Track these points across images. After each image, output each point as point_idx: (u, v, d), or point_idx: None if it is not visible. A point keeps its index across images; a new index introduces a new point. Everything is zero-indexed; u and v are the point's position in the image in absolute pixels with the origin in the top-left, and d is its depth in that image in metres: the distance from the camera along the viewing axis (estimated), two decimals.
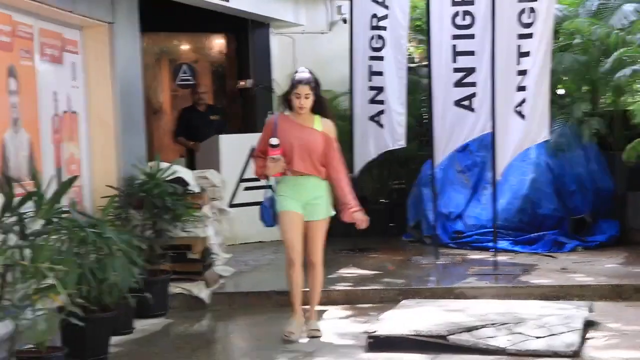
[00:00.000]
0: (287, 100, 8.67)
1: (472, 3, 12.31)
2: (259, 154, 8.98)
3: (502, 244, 12.90)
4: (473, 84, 12.32)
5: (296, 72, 9.00)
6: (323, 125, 8.55)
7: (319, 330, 8.73)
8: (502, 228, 13.12)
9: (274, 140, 8.20)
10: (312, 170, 8.40)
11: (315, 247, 8.52)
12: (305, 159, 8.28)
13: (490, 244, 12.64)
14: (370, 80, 13.04)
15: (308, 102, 8.50)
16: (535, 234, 13.63)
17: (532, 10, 11.69)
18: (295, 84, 8.42)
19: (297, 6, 16.76)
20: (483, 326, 9.01)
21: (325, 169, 8.77)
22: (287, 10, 16.46)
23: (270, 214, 8.80)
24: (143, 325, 10.17)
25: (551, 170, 13.85)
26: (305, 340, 8.40)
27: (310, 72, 9.10)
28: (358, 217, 8.68)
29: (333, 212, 9.29)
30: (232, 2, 14.24)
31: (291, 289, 8.63)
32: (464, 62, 12.37)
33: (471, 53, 12.36)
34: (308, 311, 8.69)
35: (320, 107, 8.63)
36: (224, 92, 16.18)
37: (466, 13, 12.31)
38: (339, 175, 8.68)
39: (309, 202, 8.48)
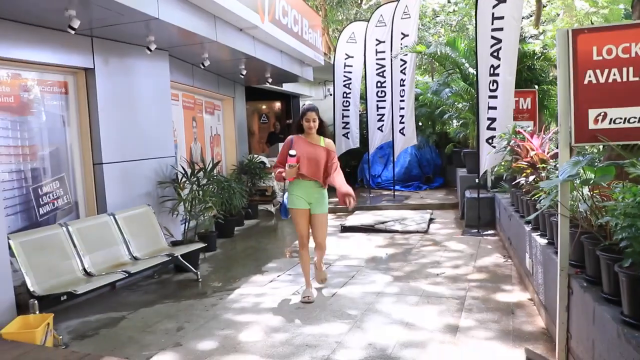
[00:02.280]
0: (300, 125, 5.91)
1: (384, 84, 12.04)
2: (278, 164, 5.93)
3: (397, 187, 12.87)
4: (382, 120, 12.10)
5: (304, 104, 6.33)
6: (325, 143, 5.91)
7: (325, 278, 6.17)
8: (397, 181, 13.06)
9: (292, 152, 5.62)
10: (316, 176, 5.70)
11: (321, 233, 5.85)
12: (312, 167, 5.68)
13: (392, 187, 12.63)
14: (343, 119, 12.75)
15: (315, 124, 5.84)
16: (410, 183, 13.80)
17: (402, 83, 11.72)
18: (305, 111, 5.84)
19: (310, 89, 16.38)
20: (389, 221, 9.33)
21: (326, 176, 5.84)
22: (306, 91, 16.11)
23: (285, 210, 6.01)
24: (247, 223, 10.32)
25: (417, 156, 13.92)
26: (315, 293, 5.85)
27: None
28: (349, 199, 5.59)
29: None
30: (285, 87, 14.03)
31: (303, 265, 5.90)
32: (380, 111, 12.12)
33: (383, 108, 12.11)
34: (316, 268, 6.15)
35: (322, 129, 5.96)
36: (281, 125, 16.32)
37: (382, 89, 12.05)
38: (337, 174, 5.82)
39: (314, 199, 5.74)
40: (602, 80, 3.48)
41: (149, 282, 6.57)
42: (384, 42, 11.97)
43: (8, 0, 4.74)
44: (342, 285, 6.06)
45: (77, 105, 6.32)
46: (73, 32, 5.34)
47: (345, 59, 12.81)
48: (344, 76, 12.87)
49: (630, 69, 3.42)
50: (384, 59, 12.05)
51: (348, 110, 12.92)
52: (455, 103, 10.97)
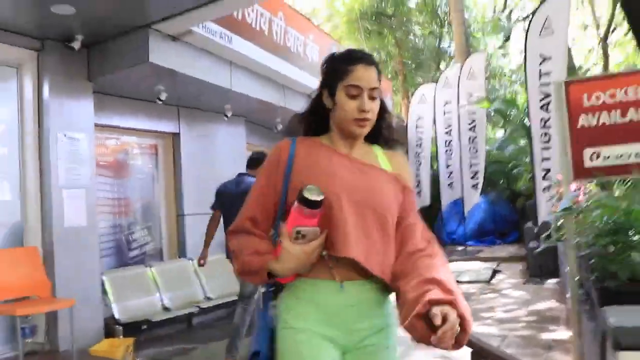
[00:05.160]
0: (318, 109, 1.72)
1: (452, 143, 12.47)
2: (248, 226, 1.65)
3: (471, 242, 13.06)
4: (452, 177, 12.44)
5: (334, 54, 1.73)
6: (394, 165, 1.73)
7: None
8: (471, 236, 13.19)
9: (311, 191, 1.46)
10: (377, 263, 1.56)
11: None
12: (370, 236, 1.56)
13: (466, 243, 12.83)
14: (416, 178, 13.34)
15: (375, 107, 1.65)
16: (484, 238, 13.64)
17: (473, 140, 12.28)
18: (351, 62, 1.62)
19: None
20: (453, 272, 9.80)
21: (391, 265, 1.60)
22: None
23: None
24: None
25: (490, 211, 13.78)
26: None
27: None
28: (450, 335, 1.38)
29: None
30: None
31: None
32: (449, 169, 12.52)
33: (451, 165, 12.46)
34: None
35: (384, 128, 1.75)
36: None
37: (449, 148, 12.55)
38: (436, 259, 1.63)
39: (366, 340, 1.60)
40: (593, 123, 3.94)
41: (223, 322, 7.20)
42: (450, 102, 12.56)
43: (112, 80, 5.92)
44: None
45: (164, 164, 7.38)
46: (161, 102, 6.43)
47: (417, 120, 13.45)
48: (416, 136, 13.47)
49: (618, 111, 3.87)
50: (450, 118, 12.59)
51: (420, 169, 13.40)
52: (524, 158, 11.18)
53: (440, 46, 23.32)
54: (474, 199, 12.20)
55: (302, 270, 1.57)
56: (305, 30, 8.10)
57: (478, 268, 9.99)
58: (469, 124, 12.01)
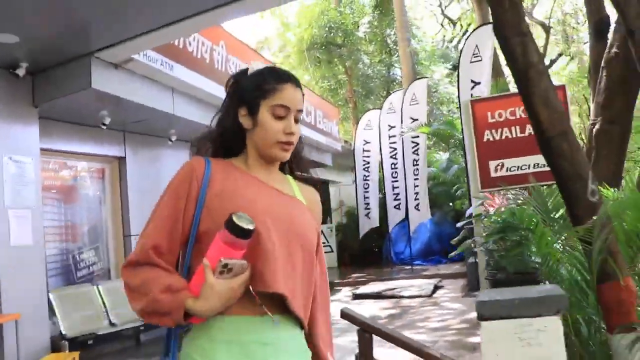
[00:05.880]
0: (234, 129, 1.55)
1: (397, 166, 12.83)
2: (153, 256, 1.42)
3: (418, 262, 13.41)
4: (398, 199, 12.81)
5: (253, 65, 1.59)
6: (307, 200, 1.60)
7: None
8: (418, 256, 13.60)
9: (242, 219, 1.31)
10: (301, 302, 1.47)
11: None
12: (295, 271, 1.46)
13: (413, 262, 13.13)
14: (365, 200, 13.74)
15: (299, 131, 1.56)
16: (431, 257, 14.03)
17: (416, 163, 12.61)
18: (280, 80, 1.52)
19: (338, 174, 15.93)
20: (397, 288, 9.95)
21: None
22: (334, 176, 15.42)
23: None
24: None
25: (436, 232, 14.24)
26: None
27: None
28: None
29: None
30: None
31: None
32: (395, 191, 12.89)
33: (397, 187, 12.89)
34: None
35: (298, 160, 1.64)
36: None
37: (395, 170, 12.90)
38: (325, 310, 1.68)
39: None
40: (497, 137, 4.39)
41: None
42: (394, 127, 13.10)
43: (58, 106, 6.14)
44: (336, 336, 6.75)
45: (111, 187, 7.57)
46: (105, 127, 6.65)
47: (364, 144, 13.95)
48: (363, 161, 13.95)
49: (517, 127, 4.33)
50: (395, 142, 13.12)
51: (368, 192, 13.90)
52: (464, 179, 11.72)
53: (391, 73, 24.05)
54: (417, 220, 12.64)
55: (214, 310, 1.37)
56: (248, 59, 8.46)
57: (421, 284, 10.35)
58: (412, 148, 12.52)
